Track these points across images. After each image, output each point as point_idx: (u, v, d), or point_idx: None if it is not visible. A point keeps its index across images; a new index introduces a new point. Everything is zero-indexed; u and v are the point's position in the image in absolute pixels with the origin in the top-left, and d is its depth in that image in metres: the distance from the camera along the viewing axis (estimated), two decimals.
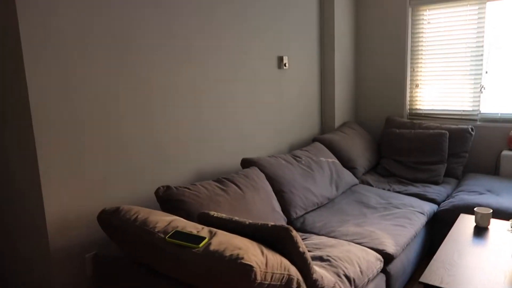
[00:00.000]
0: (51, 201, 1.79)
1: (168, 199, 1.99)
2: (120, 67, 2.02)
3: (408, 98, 3.86)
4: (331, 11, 3.55)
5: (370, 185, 3.21)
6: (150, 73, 2.18)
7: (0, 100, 1.82)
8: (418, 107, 3.83)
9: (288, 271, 1.41)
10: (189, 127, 2.44)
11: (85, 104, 1.89)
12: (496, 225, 2.28)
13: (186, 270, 1.39)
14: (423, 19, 3.67)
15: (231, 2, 2.64)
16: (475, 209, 2.30)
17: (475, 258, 1.92)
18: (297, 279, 1.45)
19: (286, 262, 1.43)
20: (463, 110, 3.59)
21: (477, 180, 3.13)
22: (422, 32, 3.69)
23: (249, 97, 2.89)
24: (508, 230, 1.91)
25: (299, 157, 2.89)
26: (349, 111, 3.98)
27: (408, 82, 3.83)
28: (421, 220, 2.56)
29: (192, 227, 1.54)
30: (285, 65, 3.18)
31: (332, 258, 1.93)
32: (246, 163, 2.61)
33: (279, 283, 1.37)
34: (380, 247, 2.15)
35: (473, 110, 3.55)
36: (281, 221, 2.37)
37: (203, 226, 1.57)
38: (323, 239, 2.19)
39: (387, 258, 2.13)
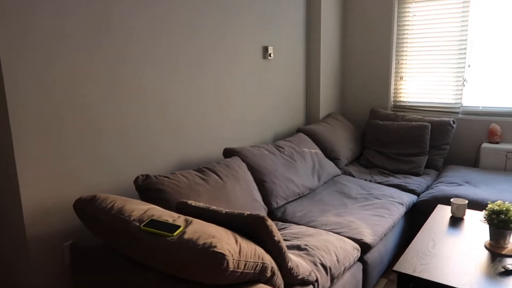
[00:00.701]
0: (27, 189, 1.78)
1: (147, 188, 1.99)
2: (92, 62, 2.00)
3: (392, 90, 3.89)
4: (318, 2, 3.54)
5: (353, 176, 3.24)
6: (127, 61, 2.16)
7: None
8: (402, 99, 3.87)
9: (262, 259, 1.43)
10: (171, 116, 2.43)
11: (61, 91, 1.87)
12: (471, 216, 2.33)
13: (160, 258, 1.39)
14: (409, 11, 3.68)
15: None
16: (451, 200, 2.34)
17: (449, 247, 1.96)
18: (272, 267, 1.47)
19: (260, 250, 1.45)
20: (446, 103, 3.64)
21: (457, 172, 3.18)
22: (408, 25, 3.71)
23: (233, 86, 2.88)
24: (481, 221, 1.95)
25: (282, 148, 2.90)
26: (334, 102, 4.00)
27: (393, 74, 3.85)
28: (400, 210, 2.60)
29: (168, 216, 1.54)
30: (270, 55, 3.18)
31: (310, 247, 1.95)
32: (228, 153, 2.61)
33: (252, 271, 1.39)
34: (358, 237, 2.18)
35: (455, 103, 3.59)
36: (261, 210, 2.39)
37: (179, 214, 1.57)
38: (303, 228, 2.22)
39: (365, 247, 2.16)
